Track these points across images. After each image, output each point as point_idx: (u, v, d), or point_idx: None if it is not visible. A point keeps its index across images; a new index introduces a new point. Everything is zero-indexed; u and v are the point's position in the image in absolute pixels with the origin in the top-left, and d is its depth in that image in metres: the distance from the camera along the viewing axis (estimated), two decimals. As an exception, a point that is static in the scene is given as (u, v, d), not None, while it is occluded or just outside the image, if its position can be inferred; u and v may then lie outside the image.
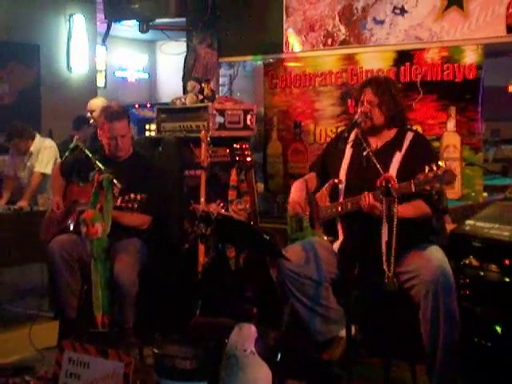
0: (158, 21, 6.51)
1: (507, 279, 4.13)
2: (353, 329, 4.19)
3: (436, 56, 5.57)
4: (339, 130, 5.36)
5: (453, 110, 5.49)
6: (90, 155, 4.69)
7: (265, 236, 3.93)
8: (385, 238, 3.78)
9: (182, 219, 5.27)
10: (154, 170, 4.97)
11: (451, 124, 5.49)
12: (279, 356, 3.64)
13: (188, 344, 3.61)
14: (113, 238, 4.53)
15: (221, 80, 6.99)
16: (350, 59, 6.00)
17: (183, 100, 5.99)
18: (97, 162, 4.56)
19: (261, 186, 6.17)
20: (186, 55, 6.40)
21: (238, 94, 6.75)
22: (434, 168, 3.59)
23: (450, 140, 5.50)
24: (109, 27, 6.68)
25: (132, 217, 4.60)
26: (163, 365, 3.59)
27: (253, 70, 6.37)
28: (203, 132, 5.20)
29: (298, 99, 6.26)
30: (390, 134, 4.19)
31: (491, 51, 6.02)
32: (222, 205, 4.63)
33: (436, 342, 3.79)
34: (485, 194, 5.65)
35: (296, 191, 4.24)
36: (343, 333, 4.09)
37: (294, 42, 6.29)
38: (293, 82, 6.29)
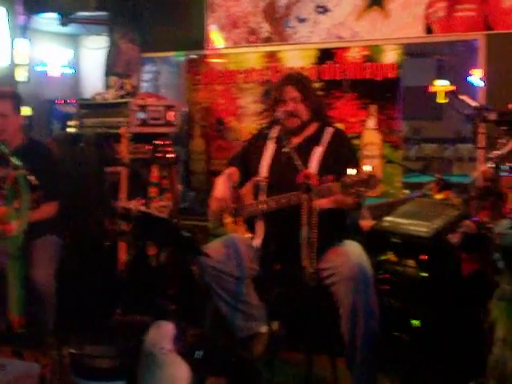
0: (80, 14, 6.42)
1: (424, 274, 4.20)
2: (274, 325, 4.17)
3: (357, 55, 5.64)
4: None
5: (373, 108, 5.57)
6: (7, 151, 4.57)
7: (185, 233, 3.90)
8: (305, 234, 3.76)
9: (103, 216, 5.20)
10: (49, 155, 4.89)
11: (371, 122, 5.58)
12: (199, 353, 3.61)
13: (106, 343, 3.56)
14: (28, 236, 4.43)
15: (146, 76, 6.92)
16: (272, 56, 6.03)
17: (104, 95, 5.91)
18: (11, 159, 4.44)
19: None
20: (108, 50, 6.31)
21: (163, 91, 6.68)
22: (360, 171, 3.60)
23: (371, 138, 5.58)
24: (28, 20, 6.55)
25: (39, 211, 4.52)
26: (80, 365, 3.52)
27: (179, 67, 6.33)
28: (124, 128, 5.14)
29: (220, 96, 6.26)
30: (310, 130, 4.21)
31: (413, 51, 6.11)
32: (142, 202, 4.57)
33: (356, 337, 3.82)
34: (406, 191, 5.72)
35: (220, 187, 4.20)
36: (265, 329, 4.07)
37: (217, 38, 6.29)
38: (216, 78, 6.30)
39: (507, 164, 3.60)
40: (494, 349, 3.21)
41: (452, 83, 4.20)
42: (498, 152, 3.54)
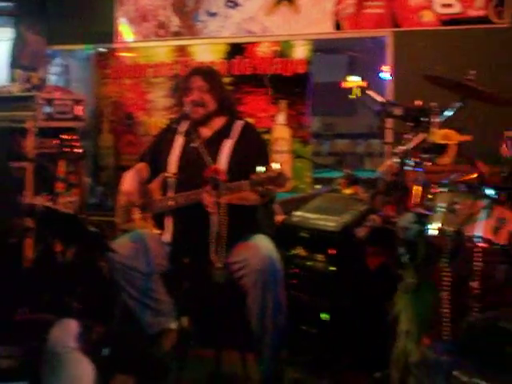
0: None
1: (332, 268, 4.25)
2: (184, 320, 4.19)
3: (267, 50, 5.67)
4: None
5: (283, 103, 5.59)
6: None
7: (92, 229, 3.84)
8: (214, 228, 3.75)
9: (8, 213, 5.06)
10: None
11: (281, 117, 5.61)
12: (105, 351, 3.57)
13: (7, 343, 3.47)
14: None
15: (55, 69, 6.78)
16: (182, 51, 6.01)
17: (9, 88, 5.77)
18: None
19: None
20: (13, 42, 6.16)
21: (74, 85, 6.56)
22: (269, 170, 3.59)
23: (280, 133, 5.61)
24: None
25: None
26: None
27: (88, 60, 6.23)
28: (29, 122, 5.03)
29: (130, 90, 6.20)
30: (219, 123, 4.20)
31: (325, 47, 6.17)
32: (49, 197, 4.48)
33: (264, 330, 3.84)
34: (318, 186, 5.76)
35: (128, 182, 4.15)
36: (174, 325, 4.06)
37: (126, 31, 6.22)
38: (125, 72, 6.23)
39: (412, 159, 3.65)
40: (398, 341, 3.27)
41: (364, 79, 4.25)
42: (403, 147, 3.59)
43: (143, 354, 4.01)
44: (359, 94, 3.95)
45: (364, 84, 3.96)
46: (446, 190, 3.15)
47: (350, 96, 3.96)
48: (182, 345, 4.10)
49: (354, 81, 3.95)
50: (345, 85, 3.94)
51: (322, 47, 5.91)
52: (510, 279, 3.01)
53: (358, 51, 7.11)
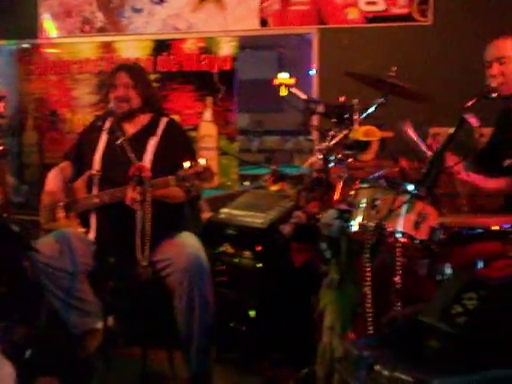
0: None
1: (259, 265, 4.27)
2: (110, 320, 4.14)
3: (193, 46, 5.66)
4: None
5: (209, 100, 5.59)
6: None
7: (14, 228, 3.78)
8: (139, 226, 3.72)
9: None
10: None
11: (208, 114, 5.61)
12: (28, 353, 3.51)
13: None
14: None
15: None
16: (107, 47, 5.95)
17: None
18: None
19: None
20: None
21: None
22: (195, 165, 3.59)
23: (207, 130, 5.61)
24: None
25: None
26: None
27: (12, 56, 6.11)
28: None
29: (54, 87, 6.12)
30: (144, 120, 4.19)
31: (254, 44, 6.18)
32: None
33: (192, 329, 3.82)
34: (246, 183, 5.77)
35: (51, 180, 4.13)
36: (100, 324, 4.01)
37: (50, 27, 6.13)
38: (49, 68, 6.14)
39: (335, 155, 3.68)
40: (323, 336, 3.29)
41: (292, 76, 4.25)
42: (326, 143, 3.62)
43: (68, 355, 3.96)
44: (286, 92, 3.96)
45: (293, 81, 3.97)
46: (367, 185, 3.17)
47: (281, 93, 3.97)
48: (108, 345, 4.06)
49: (283, 78, 3.96)
50: (275, 82, 3.95)
51: (249, 44, 5.93)
52: (431, 274, 3.05)
53: (285, 48, 7.13)
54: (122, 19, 5.90)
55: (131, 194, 3.73)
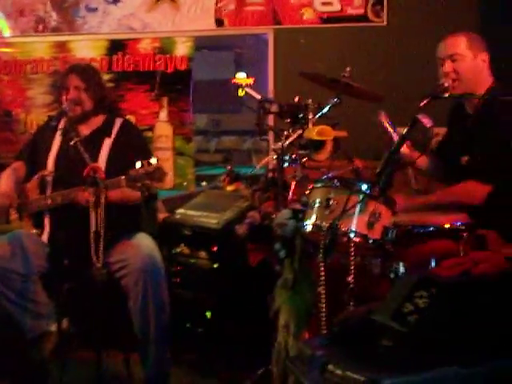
0: None
1: (215, 265, 4.26)
2: (64, 323, 4.14)
3: (148, 46, 5.65)
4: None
5: (165, 100, 5.58)
6: None
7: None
8: (93, 228, 3.69)
9: None
10: None
11: (163, 114, 5.59)
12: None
13: None
14: None
15: None
16: (62, 46, 5.91)
17: None
18: None
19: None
20: None
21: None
22: (146, 165, 3.56)
23: (163, 130, 5.59)
24: None
25: None
26: None
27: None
28: None
29: (8, 87, 6.05)
30: (98, 121, 4.17)
31: (211, 45, 6.17)
32: None
33: (147, 330, 3.81)
34: (204, 183, 5.76)
35: (4, 182, 4.07)
36: (54, 327, 3.98)
37: (3, 26, 6.06)
38: (2, 68, 6.05)
39: (292, 155, 3.68)
40: (278, 336, 3.29)
41: (251, 76, 4.26)
42: (281, 143, 3.62)
43: (22, 358, 3.91)
44: (243, 92, 3.96)
45: (251, 81, 3.97)
46: (321, 185, 3.17)
47: (239, 93, 3.97)
48: (62, 347, 4.03)
49: (241, 78, 3.96)
50: (233, 82, 3.95)
51: (205, 44, 5.91)
52: (384, 273, 3.07)
53: (241, 48, 7.13)
54: (77, 19, 5.86)
55: (86, 195, 3.71)
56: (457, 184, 3.46)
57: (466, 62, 3.52)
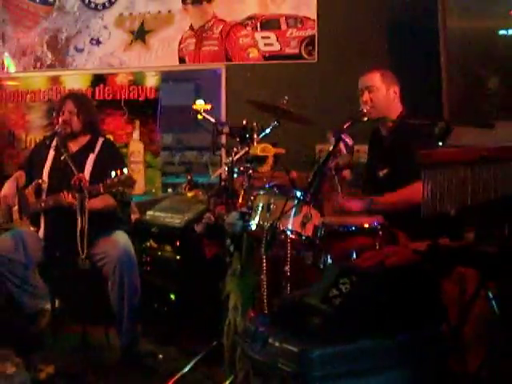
0: None
1: (178, 257, 4.22)
2: (56, 302, 4.06)
3: (124, 79, 5.61)
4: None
5: (137, 122, 5.56)
6: None
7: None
8: (79, 226, 3.64)
9: None
10: None
11: (136, 134, 5.56)
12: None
13: None
14: None
15: None
16: (55, 80, 5.85)
17: None
18: None
19: None
20: None
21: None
22: (119, 174, 3.56)
23: (135, 147, 5.57)
24: None
25: None
26: None
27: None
28: None
29: (12, 112, 5.95)
30: (85, 139, 4.09)
31: (175, 77, 6.14)
32: None
33: (122, 309, 3.74)
34: (170, 191, 5.70)
35: (7, 187, 4.00)
36: (49, 306, 3.91)
37: (9, 64, 5.98)
38: (8, 97, 5.97)
39: (240, 168, 3.62)
40: (229, 315, 3.25)
41: (207, 103, 4.26)
42: (231, 158, 3.58)
43: (22, 330, 3.84)
44: (201, 116, 3.91)
45: (208, 107, 3.93)
46: (264, 192, 3.13)
47: (198, 116, 3.93)
48: (55, 322, 3.96)
49: (200, 104, 3.92)
50: (194, 107, 3.92)
51: (170, 77, 5.92)
52: (315, 263, 3.02)
53: (200, 80, 7.14)
54: (67, 57, 5.81)
55: (68, 198, 3.70)
56: (379, 192, 3.36)
57: (380, 93, 3.47)
